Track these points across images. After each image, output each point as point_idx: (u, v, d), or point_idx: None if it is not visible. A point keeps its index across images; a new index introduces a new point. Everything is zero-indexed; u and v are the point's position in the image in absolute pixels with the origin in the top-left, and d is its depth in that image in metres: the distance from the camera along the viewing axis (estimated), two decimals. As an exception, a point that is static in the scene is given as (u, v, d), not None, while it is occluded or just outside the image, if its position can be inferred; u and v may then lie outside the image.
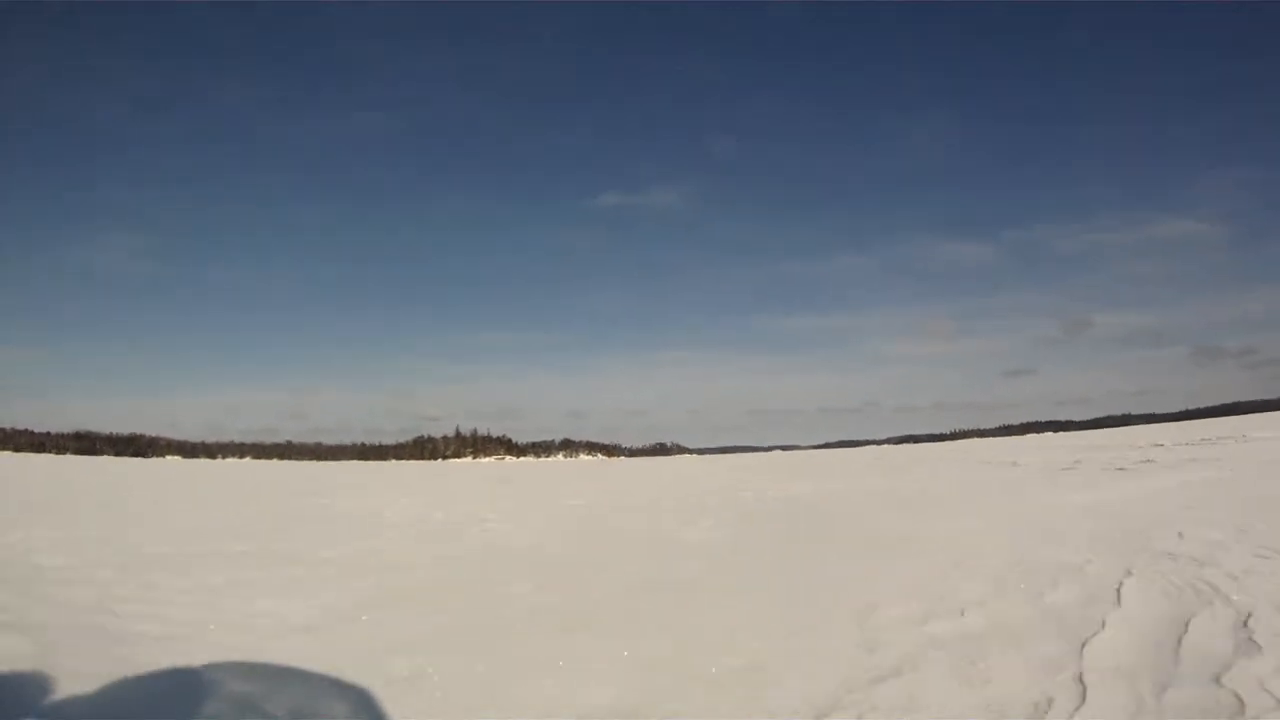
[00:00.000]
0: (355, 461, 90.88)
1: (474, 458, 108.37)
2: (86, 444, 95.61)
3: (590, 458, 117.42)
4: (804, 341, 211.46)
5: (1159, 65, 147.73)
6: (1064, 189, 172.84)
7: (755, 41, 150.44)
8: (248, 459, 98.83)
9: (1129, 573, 4.16)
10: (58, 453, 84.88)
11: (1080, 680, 2.56)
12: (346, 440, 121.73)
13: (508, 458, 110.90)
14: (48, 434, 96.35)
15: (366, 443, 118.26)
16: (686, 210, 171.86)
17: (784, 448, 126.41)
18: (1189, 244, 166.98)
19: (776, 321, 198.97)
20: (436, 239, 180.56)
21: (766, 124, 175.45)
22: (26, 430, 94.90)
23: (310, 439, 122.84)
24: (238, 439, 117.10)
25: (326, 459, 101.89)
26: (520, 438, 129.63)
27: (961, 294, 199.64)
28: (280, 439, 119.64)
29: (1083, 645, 2.92)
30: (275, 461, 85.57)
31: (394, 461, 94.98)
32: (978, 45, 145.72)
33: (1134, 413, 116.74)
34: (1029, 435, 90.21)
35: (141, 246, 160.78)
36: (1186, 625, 3.13)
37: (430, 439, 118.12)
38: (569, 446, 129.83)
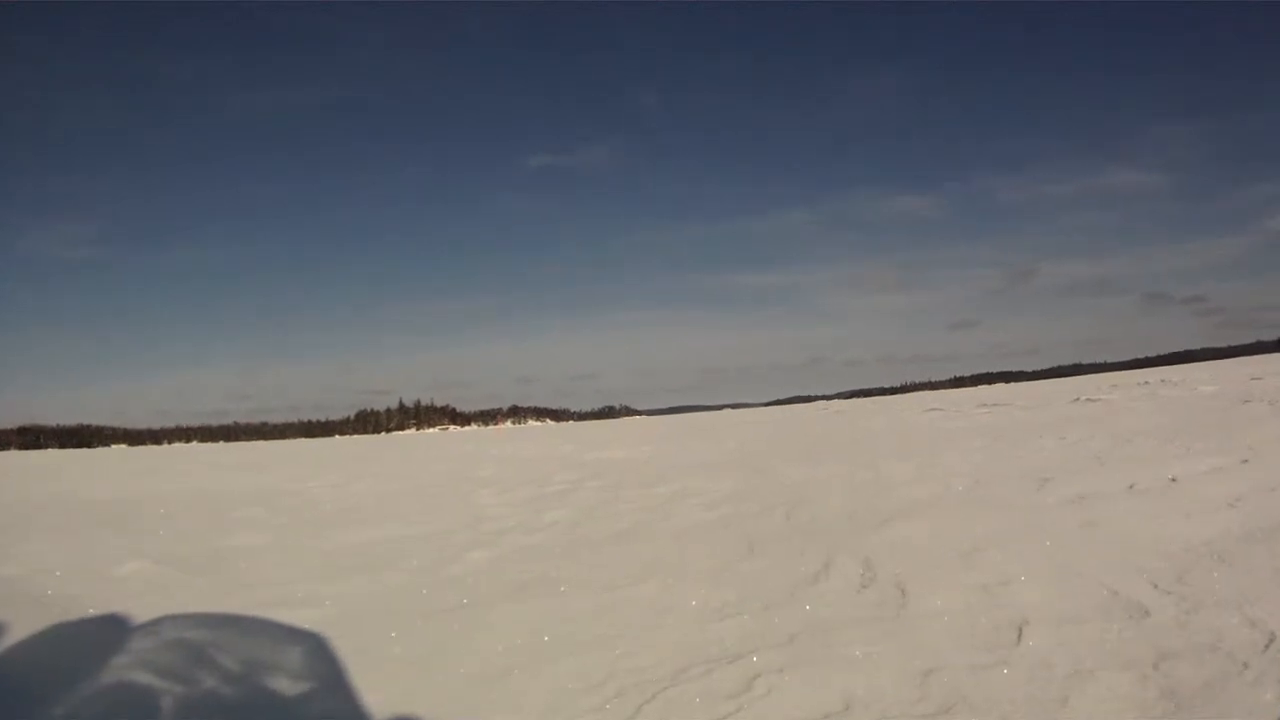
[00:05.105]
0: (301, 439, 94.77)
1: (417, 429, 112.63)
2: (31, 438, 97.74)
3: (539, 423, 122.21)
4: (751, 298, 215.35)
5: (1103, 15, 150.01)
6: (1006, 139, 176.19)
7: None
8: (194, 443, 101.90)
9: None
10: (1, 449, 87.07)
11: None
12: (294, 419, 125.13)
13: (452, 427, 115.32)
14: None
15: (313, 419, 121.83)
16: (617, 168, 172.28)
17: (735, 405, 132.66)
18: (1134, 194, 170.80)
19: (723, 279, 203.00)
20: (372, 212, 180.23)
21: (692, 78, 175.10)
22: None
23: (257, 419, 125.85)
24: (184, 423, 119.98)
25: (272, 438, 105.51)
26: (468, 406, 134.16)
27: (904, 247, 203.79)
28: (228, 421, 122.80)
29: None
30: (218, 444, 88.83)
31: (338, 437, 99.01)
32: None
33: (1084, 362, 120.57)
34: (980, 387, 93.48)
35: (80, 234, 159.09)
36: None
37: (373, 412, 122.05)
38: (517, 413, 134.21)
